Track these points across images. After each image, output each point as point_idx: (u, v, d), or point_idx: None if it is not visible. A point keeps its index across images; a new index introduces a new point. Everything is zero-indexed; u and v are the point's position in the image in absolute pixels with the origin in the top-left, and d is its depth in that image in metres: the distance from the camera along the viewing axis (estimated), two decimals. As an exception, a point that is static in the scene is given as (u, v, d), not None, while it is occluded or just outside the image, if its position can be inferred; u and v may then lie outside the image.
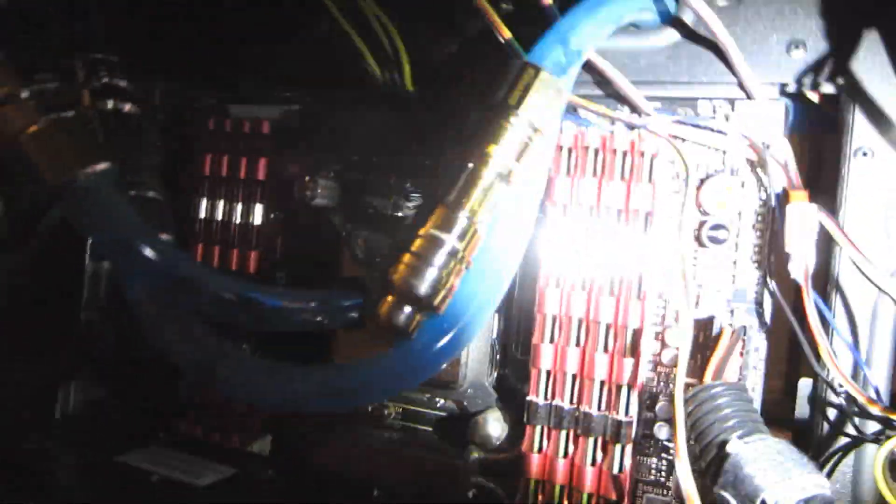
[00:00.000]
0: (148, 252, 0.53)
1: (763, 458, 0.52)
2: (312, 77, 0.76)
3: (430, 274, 0.52)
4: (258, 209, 0.76)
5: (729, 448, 0.53)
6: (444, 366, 0.59)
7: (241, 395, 0.59)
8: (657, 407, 0.66)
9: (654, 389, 0.65)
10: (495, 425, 0.70)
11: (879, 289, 0.60)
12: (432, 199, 0.56)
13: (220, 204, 0.77)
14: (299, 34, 0.76)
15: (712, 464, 0.54)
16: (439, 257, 0.53)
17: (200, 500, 0.69)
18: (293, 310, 0.59)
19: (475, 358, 0.71)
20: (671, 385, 0.64)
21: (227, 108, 0.82)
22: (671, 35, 0.66)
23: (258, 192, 0.76)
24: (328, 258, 0.76)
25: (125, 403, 0.84)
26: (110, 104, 0.60)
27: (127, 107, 0.62)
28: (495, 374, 0.73)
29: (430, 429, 0.75)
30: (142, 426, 0.81)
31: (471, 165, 0.54)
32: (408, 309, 0.53)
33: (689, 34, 0.66)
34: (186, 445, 0.78)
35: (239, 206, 0.76)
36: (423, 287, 0.52)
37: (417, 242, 0.53)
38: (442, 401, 0.75)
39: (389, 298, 0.54)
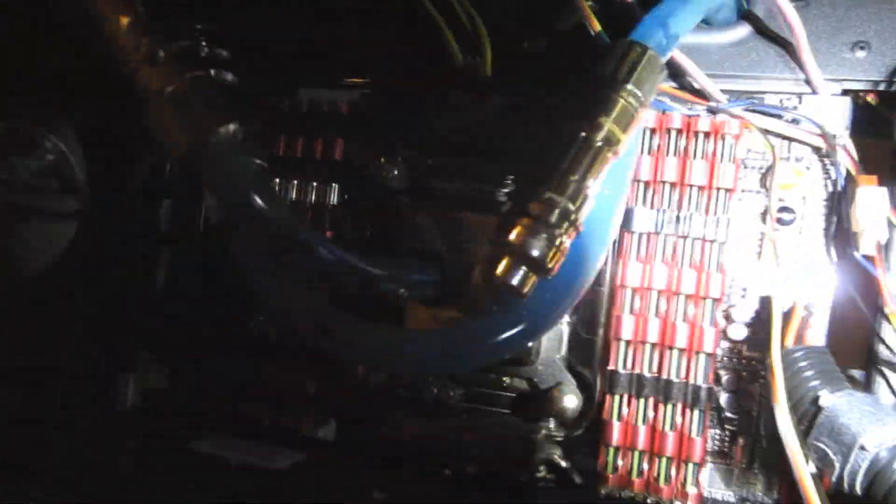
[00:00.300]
0: (273, 214, 0.54)
1: (855, 408, 0.56)
2: (388, 60, 0.79)
3: (547, 235, 0.55)
4: (334, 189, 0.77)
5: (822, 402, 0.57)
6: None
7: (362, 356, 0.60)
8: (724, 379, 0.69)
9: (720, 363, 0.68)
10: (571, 398, 0.73)
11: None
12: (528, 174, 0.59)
13: (294, 184, 0.78)
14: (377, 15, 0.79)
15: (804, 417, 0.58)
16: (555, 219, 0.55)
17: (284, 482, 0.70)
18: (394, 278, 0.61)
19: (547, 334, 0.73)
20: (734, 360, 0.69)
21: (297, 91, 0.83)
22: (742, 30, 0.71)
23: (334, 173, 0.77)
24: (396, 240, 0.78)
25: (187, 391, 0.83)
26: (220, 72, 0.61)
27: (230, 76, 0.63)
28: (565, 351, 0.75)
29: (499, 408, 0.76)
30: (203, 414, 0.81)
31: (583, 134, 0.57)
32: (523, 269, 0.56)
33: (759, 30, 0.70)
34: (249, 431, 0.79)
35: (315, 186, 0.78)
36: (540, 248, 0.55)
37: (533, 205, 0.56)
38: (508, 379, 0.76)
39: (505, 260, 0.56)
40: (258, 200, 0.55)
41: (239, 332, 0.78)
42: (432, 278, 0.67)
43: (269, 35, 0.82)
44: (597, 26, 0.65)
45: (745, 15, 0.71)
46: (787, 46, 0.69)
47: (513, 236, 0.55)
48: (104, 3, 0.51)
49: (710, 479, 0.69)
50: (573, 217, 0.56)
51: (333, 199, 0.78)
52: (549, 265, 0.56)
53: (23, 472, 0.67)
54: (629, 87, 0.58)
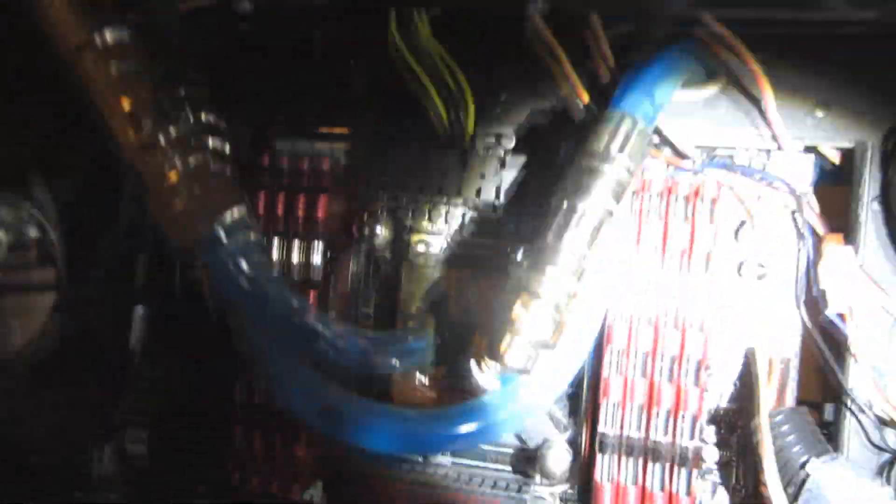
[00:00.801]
0: (282, 301, 0.53)
1: (837, 479, 0.59)
2: (368, 114, 0.79)
3: (550, 313, 0.56)
4: (317, 246, 0.76)
5: (809, 468, 0.60)
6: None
7: (368, 439, 0.59)
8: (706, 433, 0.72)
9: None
10: (560, 457, 0.74)
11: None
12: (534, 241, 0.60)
13: (275, 241, 0.77)
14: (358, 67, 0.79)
15: (790, 484, 0.60)
16: (558, 297, 0.56)
17: None
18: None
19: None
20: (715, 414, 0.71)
21: (273, 143, 0.82)
22: (712, 89, 0.73)
23: (317, 230, 0.76)
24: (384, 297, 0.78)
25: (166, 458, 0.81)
26: (217, 143, 0.59)
27: (227, 146, 0.61)
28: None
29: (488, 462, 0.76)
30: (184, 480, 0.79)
31: (581, 209, 0.58)
32: (528, 347, 0.56)
33: (729, 88, 0.73)
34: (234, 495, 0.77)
35: (296, 244, 0.76)
36: (544, 326, 0.56)
37: (535, 282, 0.56)
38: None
39: (508, 337, 0.56)
40: (265, 286, 0.54)
41: (221, 394, 0.76)
42: (423, 345, 0.67)
43: (244, 82, 0.81)
44: (586, 98, 0.66)
45: (714, 74, 0.73)
46: (755, 105, 0.72)
47: (516, 315, 0.56)
48: (108, 87, 0.49)
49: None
50: (574, 292, 0.57)
51: (317, 257, 0.77)
52: (553, 341, 0.56)
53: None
54: (622, 160, 0.59)
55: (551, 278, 0.56)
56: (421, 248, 0.79)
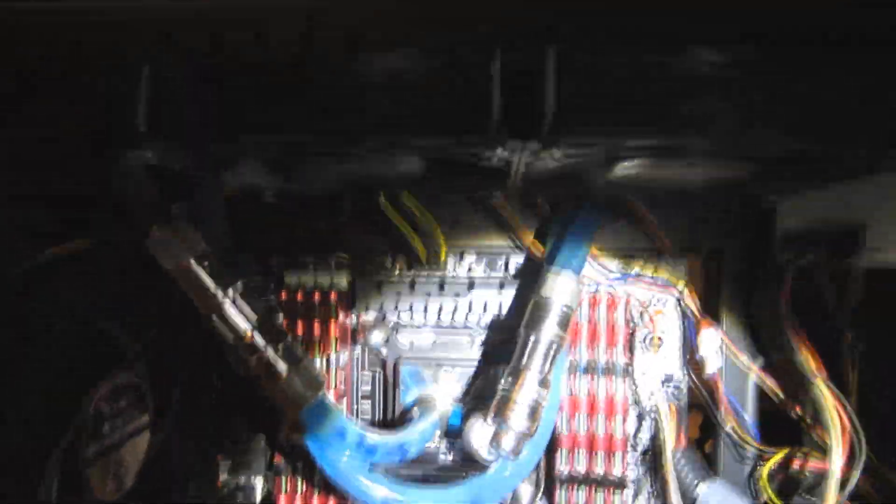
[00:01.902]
0: (353, 435, 0.78)
1: (717, 494, 0.91)
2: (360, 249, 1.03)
3: (530, 414, 0.84)
4: (332, 357, 1.00)
5: (698, 490, 0.91)
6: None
7: None
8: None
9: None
10: (527, 487, 1.03)
11: (746, 371, 1.01)
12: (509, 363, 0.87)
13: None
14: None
15: (688, 501, 0.92)
16: (533, 402, 0.84)
17: None
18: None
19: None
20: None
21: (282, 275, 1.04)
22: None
23: (330, 345, 1.00)
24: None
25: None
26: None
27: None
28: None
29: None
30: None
31: (541, 338, 0.86)
32: (516, 438, 0.84)
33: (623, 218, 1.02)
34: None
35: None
36: (528, 423, 0.83)
37: (515, 393, 0.84)
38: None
39: (503, 434, 0.84)
40: (345, 431, 0.78)
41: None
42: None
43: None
44: (538, 254, 0.94)
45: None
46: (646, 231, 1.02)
47: (505, 417, 0.83)
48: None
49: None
50: (542, 396, 0.85)
51: (333, 367, 1.00)
52: (532, 431, 0.84)
53: None
54: (562, 305, 0.87)
55: (527, 390, 0.84)
56: (407, 344, 1.06)
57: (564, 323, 0.87)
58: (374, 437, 0.83)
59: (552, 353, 0.86)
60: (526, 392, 0.84)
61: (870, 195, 0.75)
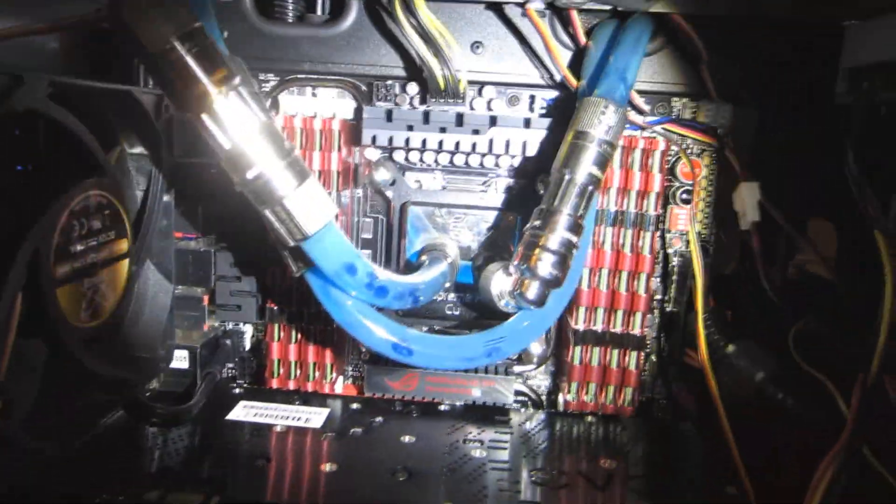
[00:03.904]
0: (363, 271, 0.69)
1: (746, 354, 0.84)
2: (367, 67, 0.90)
3: (559, 262, 0.75)
4: (332, 197, 0.89)
5: (728, 350, 0.85)
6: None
7: (431, 363, 0.77)
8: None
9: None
10: (538, 346, 0.96)
11: (783, 228, 0.92)
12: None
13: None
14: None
15: (714, 360, 0.86)
16: (564, 249, 0.75)
17: (327, 438, 0.85)
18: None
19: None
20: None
21: (277, 100, 0.92)
22: (657, 47, 0.90)
23: (332, 181, 0.89)
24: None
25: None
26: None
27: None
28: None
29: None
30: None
31: (575, 181, 0.76)
32: (541, 287, 0.75)
33: (668, 47, 0.90)
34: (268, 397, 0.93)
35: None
36: (556, 272, 0.74)
37: (544, 238, 0.75)
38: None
39: (527, 282, 0.75)
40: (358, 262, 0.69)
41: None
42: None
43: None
44: (574, 82, 0.82)
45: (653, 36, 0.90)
46: (687, 59, 0.90)
47: (536, 266, 0.74)
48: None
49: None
50: (574, 242, 0.76)
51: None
52: (560, 281, 0.76)
53: None
54: (606, 137, 0.76)
55: (558, 236, 0.75)
56: (415, 185, 0.95)
57: (603, 163, 0.77)
58: (387, 275, 0.73)
59: (587, 195, 0.76)
60: (556, 237, 0.75)
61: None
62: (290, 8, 0.92)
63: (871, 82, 0.77)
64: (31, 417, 0.63)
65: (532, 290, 0.75)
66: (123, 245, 0.75)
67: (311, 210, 0.62)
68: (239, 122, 0.58)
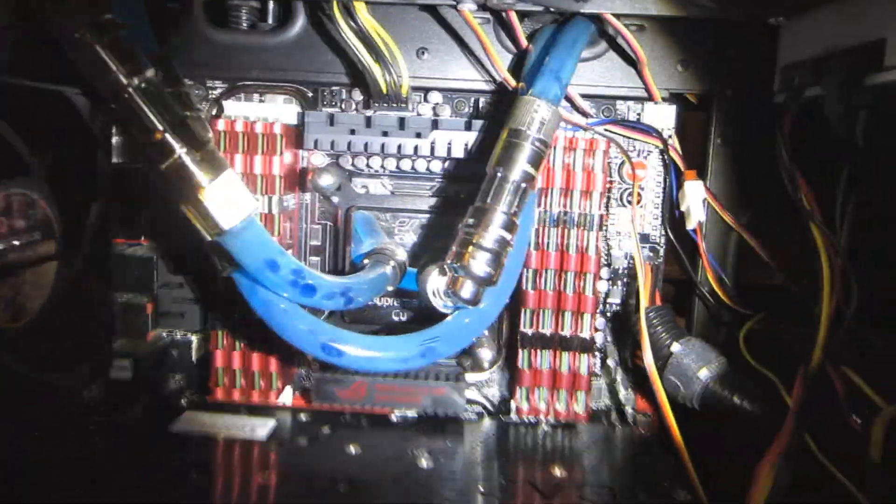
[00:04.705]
0: (287, 268, 0.68)
1: (692, 353, 0.83)
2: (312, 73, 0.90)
3: (493, 260, 0.74)
4: (274, 200, 0.88)
5: (672, 349, 0.84)
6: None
7: (362, 366, 0.76)
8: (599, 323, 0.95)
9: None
10: (486, 351, 0.95)
11: (731, 227, 0.92)
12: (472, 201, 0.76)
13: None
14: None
15: (659, 359, 0.84)
16: (498, 246, 0.74)
17: (270, 449, 0.83)
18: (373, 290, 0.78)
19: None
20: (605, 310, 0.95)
21: (221, 105, 0.91)
22: (599, 51, 0.90)
23: (275, 185, 0.88)
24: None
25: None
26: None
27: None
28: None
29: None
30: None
31: (509, 179, 0.75)
32: (475, 285, 0.74)
33: (610, 51, 0.90)
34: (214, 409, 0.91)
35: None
36: (490, 270, 0.74)
37: (478, 236, 0.74)
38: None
39: (461, 280, 0.74)
40: (278, 258, 0.68)
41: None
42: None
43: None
44: (513, 83, 0.82)
45: (599, 40, 0.90)
46: (630, 65, 0.90)
47: (469, 264, 0.73)
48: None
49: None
50: (508, 240, 0.75)
51: (275, 209, 0.89)
52: (494, 279, 0.75)
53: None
54: (539, 136, 0.76)
55: (492, 234, 0.74)
56: (362, 191, 0.95)
57: (536, 161, 0.76)
58: (314, 274, 0.72)
59: (520, 192, 0.75)
60: (489, 235, 0.74)
61: (890, 5, 0.64)
62: (244, 17, 0.93)
63: (802, 78, 0.77)
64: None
65: (466, 288, 0.74)
66: (51, 246, 0.74)
67: (228, 204, 0.62)
68: (152, 113, 0.57)
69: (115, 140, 0.85)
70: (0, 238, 0.65)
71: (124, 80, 0.56)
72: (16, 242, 0.67)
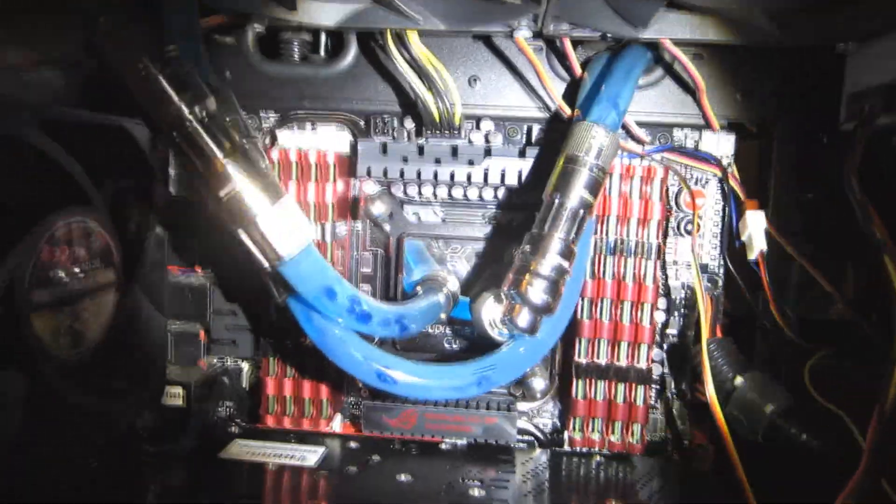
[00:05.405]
0: (344, 296, 0.67)
1: (757, 386, 0.80)
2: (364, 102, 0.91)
3: (551, 288, 0.72)
4: (328, 228, 0.88)
5: (736, 382, 0.81)
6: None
7: (417, 394, 0.75)
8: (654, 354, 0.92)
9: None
10: (540, 381, 0.93)
11: (796, 259, 0.88)
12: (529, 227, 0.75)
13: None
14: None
15: (722, 392, 0.81)
16: (555, 274, 0.72)
17: (320, 476, 0.83)
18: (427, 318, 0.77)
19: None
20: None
21: (275, 135, 0.92)
22: (656, 78, 0.89)
23: (328, 213, 0.88)
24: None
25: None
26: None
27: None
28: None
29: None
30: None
31: (567, 205, 0.74)
32: (533, 314, 0.73)
33: (667, 78, 0.89)
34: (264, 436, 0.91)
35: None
36: (548, 298, 0.72)
37: (535, 263, 0.72)
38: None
39: (518, 308, 0.73)
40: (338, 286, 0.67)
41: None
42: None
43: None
44: (568, 111, 0.81)
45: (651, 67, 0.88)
46: (688, 93, 0.89)
47: (526, 292, 0.72)
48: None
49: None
50: (566, 267, 0.74)
51: (328, 237, 0.89)
52: (552, 308, 0.73)
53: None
54: (597, 162, 0.74)
55: (550, 261, 0.72)
56: (413, 219, 0.94)
57: (594, 187, 0.75)
58: (370, 301, 0.72)
59: (578, 219, 0.74)
60: (547, 262, 0.72)
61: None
62: (296, 51, 0.93)
63: (872, 105, 0.75)
64: (9, 453, 0.62)
65: (523, 316, 0.73)
66: (110, 275, 0.75)
67: (286, 231, 0.62)
68: (213, 142, 0.58)
69: (171, 172, 0.87)
70: (61, 266, 0.66)
71: (186, 111, 0.56)
72: (77, 271, 0.68)
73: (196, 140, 0.57)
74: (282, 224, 0.62)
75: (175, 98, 0.56)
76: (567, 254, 0.73)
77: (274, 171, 0.87)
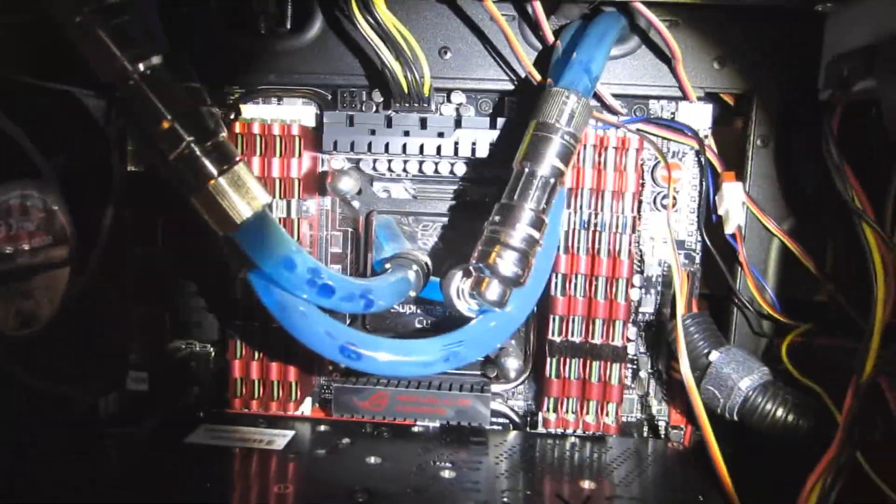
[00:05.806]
0: (303, 266, 0.64)
1: (732, 362, 0.78)
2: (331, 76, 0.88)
3: (521, 260, 0.70)
4: (293, 204, 0.85)
5: (711, 357, 0.79)
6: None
7: (383, 370, 0.72)
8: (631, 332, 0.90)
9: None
10: (513, 360, 0.90)
11: (772, 234, 0.87)
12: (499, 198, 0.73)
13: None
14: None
15: (697, 369, 0.79)
16: (525, 245, 0.70)
17: (288, 460, 0.80)
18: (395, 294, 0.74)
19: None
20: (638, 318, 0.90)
21: (239, 109, 0.89)
22: (631, 48, 0.86)
23: (293, 189, 0.85)
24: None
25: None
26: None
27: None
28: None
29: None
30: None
31: (537, 174, 0.71)
32: (502, 286, 0.70)
33: (642, 47, 0.86)
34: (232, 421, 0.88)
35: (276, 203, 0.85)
36: (518, 270, 0.70)
37: (504, 234, 0.70)
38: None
39: (486, 280, 0.70)
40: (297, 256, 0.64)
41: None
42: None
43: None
44: (538, 78, 0.78)
45: (631, 35, 0.86)
46: (665, 63, 0.86)
47: (494, 261, 0.69)
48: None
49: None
50: (536, 238, 0.71)
51: (294, 213, 0.86)
52: (522, 280, 0.71)
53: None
54: (569, 130, 0.72)
55: (520, 232, 0.70)
56: (383, 194, 0.92)
57: (566, 155, 0.72)
58: (332, 273, 0.69)
59: (549, 188, 0.72)
60: (517, 233, 0.70)
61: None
62: (263, 24, 0.90)
63: (851, 70, 0.73)
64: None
65: (492, 289, 0.70)
66: (63, 252, 0.72)
67: (240, 196, 0.59)
68: (159, 100, 0.55)
69: (129, 146, 0.84)
70: (9, 242, 0.62)
71: (129, 66, 0.53)
72: (25, 247, 0.65)
73: (142, 98, 0.54)
74: (234, 188, 0.59)
75: (117, 52, 0.53)
76: (538, 224, 0.71)
77: (236, 146, 0.83)
